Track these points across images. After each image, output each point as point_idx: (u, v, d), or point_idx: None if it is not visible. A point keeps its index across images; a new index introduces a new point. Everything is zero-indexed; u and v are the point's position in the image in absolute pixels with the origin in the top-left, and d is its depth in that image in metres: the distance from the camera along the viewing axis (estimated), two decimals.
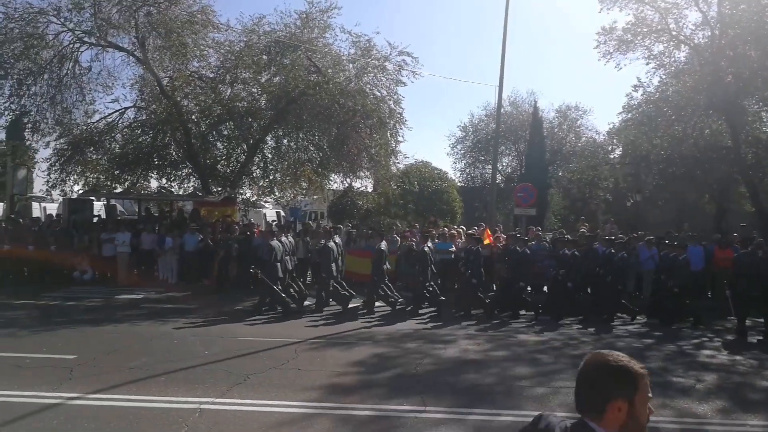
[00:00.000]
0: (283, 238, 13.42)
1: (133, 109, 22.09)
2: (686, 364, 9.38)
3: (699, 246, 15.03)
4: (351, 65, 20.89)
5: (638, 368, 1.99)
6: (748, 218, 22.06)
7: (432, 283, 13.43)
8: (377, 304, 13.42)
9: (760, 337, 11.35)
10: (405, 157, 24.71)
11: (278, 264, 12.70)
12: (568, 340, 10.98)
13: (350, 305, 13.27)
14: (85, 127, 21.15)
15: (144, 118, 22.01)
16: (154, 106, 21.47)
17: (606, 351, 2.05)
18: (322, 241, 13.82)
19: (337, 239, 13.82)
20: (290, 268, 13.42)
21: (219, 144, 23.07)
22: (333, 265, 13.07)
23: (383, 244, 13.37)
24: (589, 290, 13.92)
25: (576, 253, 13.29)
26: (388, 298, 13.34)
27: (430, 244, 13.82)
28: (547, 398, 7.31)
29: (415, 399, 7.06)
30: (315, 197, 26.99)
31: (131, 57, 20.35)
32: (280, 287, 12.68)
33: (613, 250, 13.37)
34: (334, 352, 9.52)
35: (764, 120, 22.43)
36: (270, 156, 23.29)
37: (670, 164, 23.61)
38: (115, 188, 21.96)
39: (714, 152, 21.63)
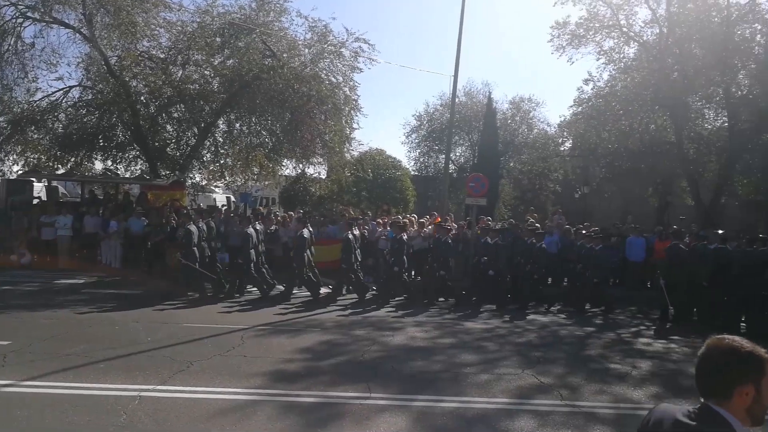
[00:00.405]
0: (201, 224, 13.29)
1: (78, 88, 21.31)
2: (624, 351, 9.72)
3: (641, 237, 15.55)
4: (307, 50, 20.69)
5: (764, 353, 2.04)
6: (688, 211, 22.95)
7: (359, 271, 13.50)
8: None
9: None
10: (359, 145, 24.70)
11: (195, 249, 12.64)
12: (514, 328, 11.21)
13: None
14: (26, 106, 20.30)
15: (90, 97, 21.19)
16: (100, 85, 20.65)
17: (729, 336, 2.09)
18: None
19: (258, 226, 13.71)
20: (208, 253, 13.31)
21: (169, 126, 22.48)
22: (252, 251, 13.03)
23: (305, 232, 13.27)
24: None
25: (498, 241, 13.59)
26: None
27: (356, 231, 13.79)
28: (490, 385, 7.44)
29: (361, 386, 7.07)
30: (267, 183, 26.65)
31: (77, 34, 19.58)
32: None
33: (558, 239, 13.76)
34: (281, 339, 9.44)
35: (706, 117, 23.29)
36: (221, 140, 22.89)
37: (617, 158, 24.28)
38: (57, 169, 21.14)
39: (658, 147, 22.35)
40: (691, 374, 7.18)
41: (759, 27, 19.56)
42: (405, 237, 13.72)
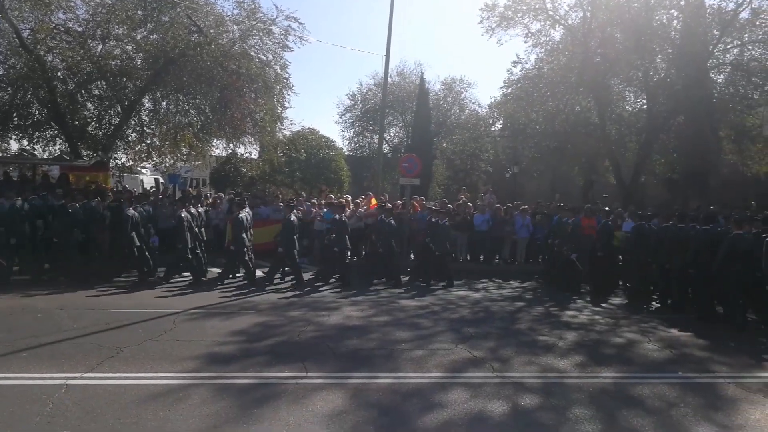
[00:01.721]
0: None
1: None
2: (552, 323, 10.16)
3: None
4: (235, 27, 20.07)
5: None
6: (611, 190, 24.04)
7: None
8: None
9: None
10: (292, 124, 24.36)
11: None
12: (447, 305, 11.49)
13: None
14: None
15: (1, 72, 19.88)
16: (12, 60, 19.37)
17: None
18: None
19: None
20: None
21: (89, 104, 21.37)
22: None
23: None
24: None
25: (338, 218, 13.78)
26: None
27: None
28: (424, 360, 7.61)
29: (297, 366, 7.08)
30: (196, 163, 25.89)
31: None
32: None
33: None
34: (214, 321, 9.30)
35: (627, 99, 24.35)
36: (147, 119, 22.01)
37: (545, 138, 25.06)
38: None
39: (583, 128, 23.23)
40: (613, 343, 7.61)
41: (675, 13, 20.58)
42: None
